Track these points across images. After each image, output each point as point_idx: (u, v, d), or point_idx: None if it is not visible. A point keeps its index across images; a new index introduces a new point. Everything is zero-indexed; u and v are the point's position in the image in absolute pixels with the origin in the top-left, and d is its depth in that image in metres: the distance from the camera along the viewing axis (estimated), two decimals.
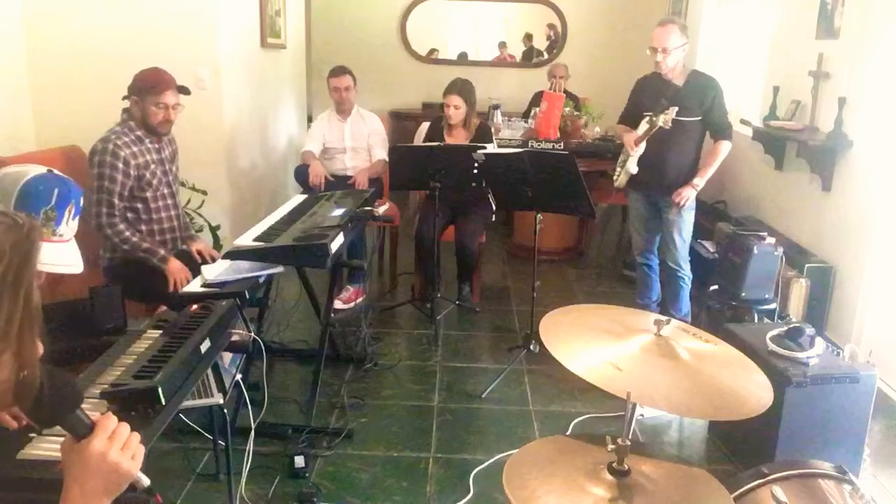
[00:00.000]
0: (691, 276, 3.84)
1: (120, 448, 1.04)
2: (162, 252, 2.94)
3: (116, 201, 2.90)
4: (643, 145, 3.63)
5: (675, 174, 3.66)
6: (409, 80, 7.56)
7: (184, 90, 3.03)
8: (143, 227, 3.02)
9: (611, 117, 5.74)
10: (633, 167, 3.69)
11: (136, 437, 1.07)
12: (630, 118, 3.88)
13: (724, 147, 3.64)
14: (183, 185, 3.59)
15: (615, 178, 3.90)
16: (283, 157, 5.69)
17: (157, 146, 3.06)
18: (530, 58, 7.77)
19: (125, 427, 1.07)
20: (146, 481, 1.10)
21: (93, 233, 2.92)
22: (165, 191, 3.09)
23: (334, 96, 4.55)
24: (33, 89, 4.01)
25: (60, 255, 1.62)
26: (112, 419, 1.07)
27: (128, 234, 2.91)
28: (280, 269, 2.74)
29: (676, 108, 3.42)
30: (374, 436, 2.95)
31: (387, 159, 4.49)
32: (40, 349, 0.98)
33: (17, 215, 0.97)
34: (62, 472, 1.05)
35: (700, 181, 3.64)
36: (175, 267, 2.93)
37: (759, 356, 2.59)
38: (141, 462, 1.07)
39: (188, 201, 3.82)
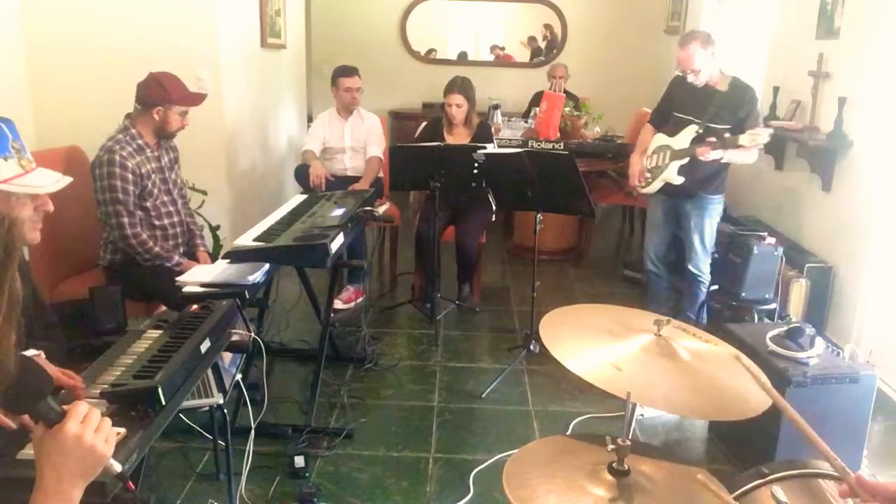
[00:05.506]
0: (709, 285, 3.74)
1: (94, 431, 1.05)
2: (176, 258, 3.00)
3: (133, 210, 2.94)
4: (686, 157, 3.46)
5: (701, 178, 3.54)
6: (409, 80, 7.57)
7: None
8: (146, 234, 3.02)
9: (611, 117, 5.76)
10: (675, 178, 3.53)
11: (108, 421, 1.08)
12: (660, 118, 3.73)
13: (752, 152, 3.46)
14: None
15: (643, 183, 3.71)
16: (283, 157, 5.68)
17: (156, 154, 3.07)
18: (540, 55, 7.76)
19: (96, 412, 1.08)
20: (118, 467, 1.11)
21: (119, 243, 2.97)
22: (165, 198, 3.09)
23: (346, 96, 4.51)
24: (33, 89, 4.01)
25: (42, 178, 1.61)
26: (83, 405, 1.08)
27: (151, 243, 2.96)
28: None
29: (770, 131, 3.30)
30: (374, 436, 2.95)
31: (381, 156, 4.49)
32: (13, 338, 0.98)
33: None
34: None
35: (721, 154, 3.40)
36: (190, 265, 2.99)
37: (759, 356, 2.59)
38: (114, 446, 1.08)
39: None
